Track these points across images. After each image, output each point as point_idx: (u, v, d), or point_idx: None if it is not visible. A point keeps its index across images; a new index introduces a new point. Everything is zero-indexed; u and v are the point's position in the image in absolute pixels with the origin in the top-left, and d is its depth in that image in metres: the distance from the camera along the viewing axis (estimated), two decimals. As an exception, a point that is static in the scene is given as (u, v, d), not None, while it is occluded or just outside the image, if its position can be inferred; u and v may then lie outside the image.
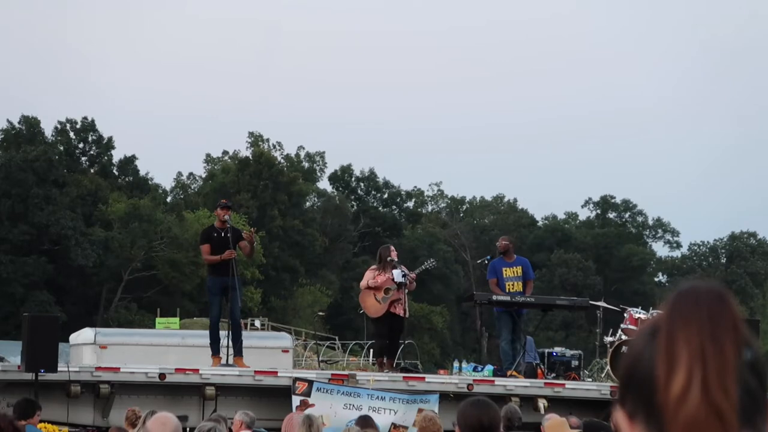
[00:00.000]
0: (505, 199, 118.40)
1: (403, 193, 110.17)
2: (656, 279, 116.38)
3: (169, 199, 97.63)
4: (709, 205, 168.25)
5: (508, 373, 19.72)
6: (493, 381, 19.48)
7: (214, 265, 18.95)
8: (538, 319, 32.27)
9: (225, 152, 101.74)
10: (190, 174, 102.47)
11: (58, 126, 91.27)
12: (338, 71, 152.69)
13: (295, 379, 18.34)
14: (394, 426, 18.15)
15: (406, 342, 22.97)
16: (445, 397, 18.58)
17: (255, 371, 18.54)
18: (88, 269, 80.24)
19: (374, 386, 18.49)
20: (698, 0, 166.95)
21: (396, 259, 20.05)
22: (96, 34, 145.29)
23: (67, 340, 23.73)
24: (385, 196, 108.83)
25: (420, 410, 16.74)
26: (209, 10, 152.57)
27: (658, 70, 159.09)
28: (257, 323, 57.30)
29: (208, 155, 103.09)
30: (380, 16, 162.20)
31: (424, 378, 19.51)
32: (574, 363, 20.63)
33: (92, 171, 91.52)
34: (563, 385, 19.60)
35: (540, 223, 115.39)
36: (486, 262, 21.34)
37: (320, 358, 30.37)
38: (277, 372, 18.82)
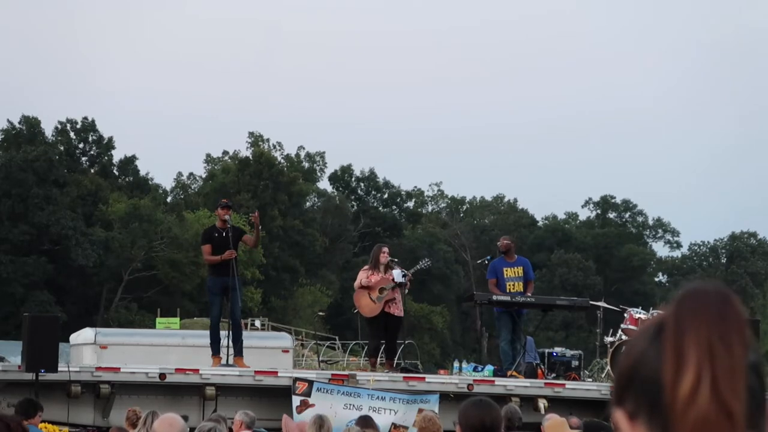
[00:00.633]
0: (505, 199, 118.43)
1: (403, 193, 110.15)
2: (656, 279, 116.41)
3: (169, 199, 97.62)
4: (709, 205, 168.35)
5: (509, 373, 19.71)
6: (493, 381, 19.47)
7: (214, 265, 18.96)
8: (538, 319, 32.26)
9: (225, 152, 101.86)
10: (191, 174, 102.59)
11: (59, 126, 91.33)
12: (338, 71, 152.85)
13: (296, 379, 18.34)
14: (395, 426, 18.14)
15: (406, 342, 22.97)
16: (445, 397, 18.58)
17: (255, 371, 18.53)
18: (88, 269, 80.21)
19: (374, 386, 18.49)
20: (698, 0, 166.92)
21: (395, 260, 20.06)
22: (96, 34, 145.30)
23: (67, 340, 23.71)
24: (385, 196, 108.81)
25: (420, 410, 16.71)
26: (209, 10, 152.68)
27: (658, 70, 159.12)
28: (257, 323, 57.26)
29: (208, 155, 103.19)
30: (380, 16, 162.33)
31: (424, 378, 19.50)
32: (575, 363, 20.63)
33: (92, 171, 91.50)
34: (563, 385, 19.60)
35: (540, 223, 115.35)
36: (486, 262, 21.33)
37: (320, 358, 30.30)
38: (277, 372, 18.82)
